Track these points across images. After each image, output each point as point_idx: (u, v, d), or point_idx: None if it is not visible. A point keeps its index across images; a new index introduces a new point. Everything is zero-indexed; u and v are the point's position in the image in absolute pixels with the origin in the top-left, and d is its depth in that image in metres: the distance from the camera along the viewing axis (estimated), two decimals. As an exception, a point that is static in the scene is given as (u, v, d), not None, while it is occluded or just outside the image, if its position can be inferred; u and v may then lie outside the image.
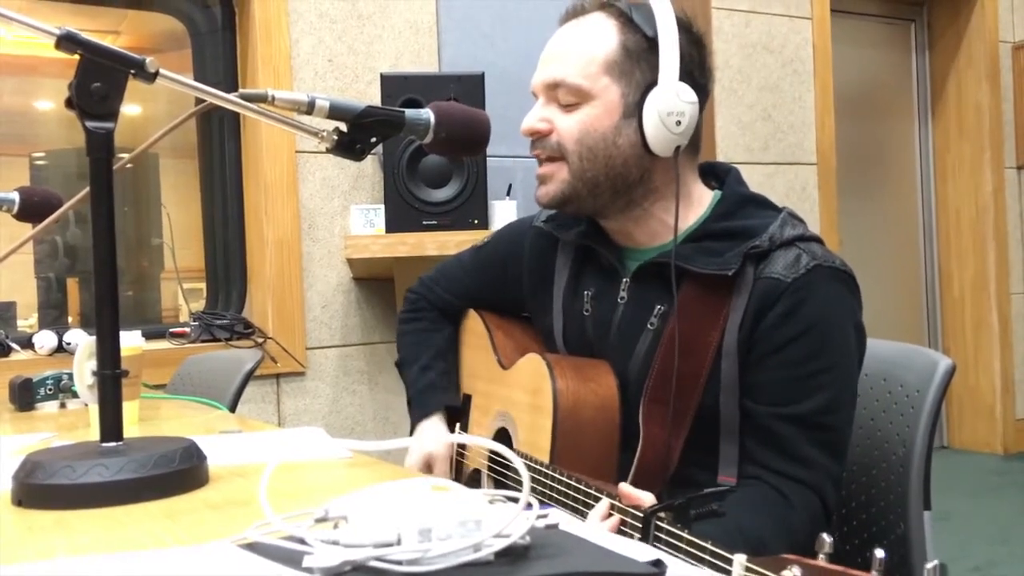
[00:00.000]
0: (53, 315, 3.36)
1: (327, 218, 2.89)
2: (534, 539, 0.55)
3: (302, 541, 0.55)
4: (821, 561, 0.59)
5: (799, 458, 1.10)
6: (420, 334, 1.52)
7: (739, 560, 0.65)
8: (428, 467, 1.42)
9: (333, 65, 2.90)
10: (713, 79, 1.23)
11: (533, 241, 1.38)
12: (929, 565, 0.58)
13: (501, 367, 1.38)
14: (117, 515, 0.79)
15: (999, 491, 3.93)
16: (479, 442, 0.60)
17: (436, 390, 1.46)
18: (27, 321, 3.29)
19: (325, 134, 1.02)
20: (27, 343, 2.56)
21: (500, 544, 0.53)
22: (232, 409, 1.87)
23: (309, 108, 1.00)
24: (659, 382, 1.16)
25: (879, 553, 0.57)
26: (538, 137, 1.21)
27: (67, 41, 0.86)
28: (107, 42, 0.89)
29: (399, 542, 0.52)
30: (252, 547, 0.57)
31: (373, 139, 1.04)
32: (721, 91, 3.62)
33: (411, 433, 1.46)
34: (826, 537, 0.61)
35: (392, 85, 2.61)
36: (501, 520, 0.53)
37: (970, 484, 4.03)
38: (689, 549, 0.80)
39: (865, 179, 4.52)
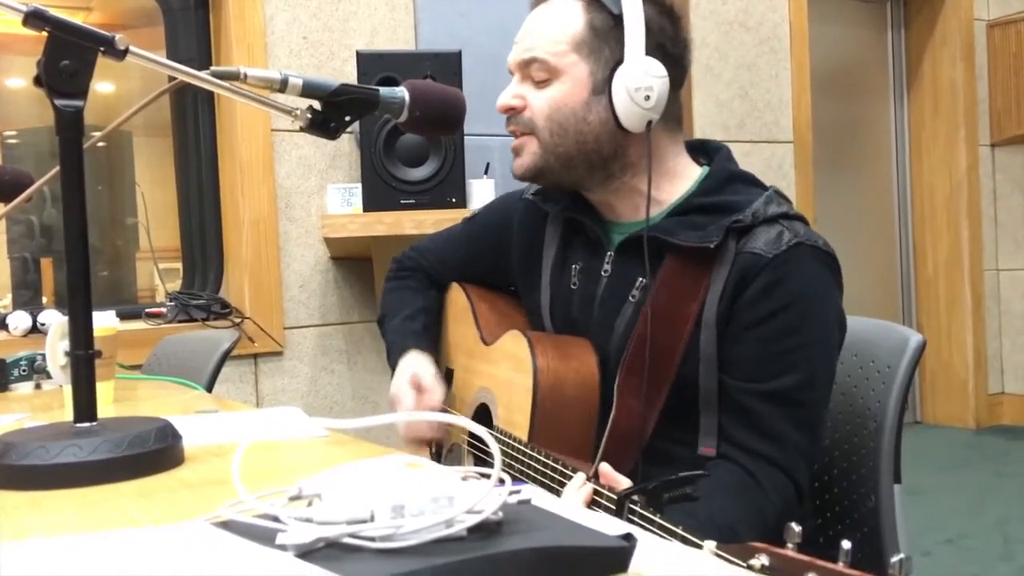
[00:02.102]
0: (27, 295, 3.33)
1: (304, 197, 2.88)
2: (507, 514, 0.56)
3: (276, 519, 0.55)
4: (789, 550, 0.60)
5: (773, 436, 1.10)
6: (405, 291, 1.52)
7: (708, 546, 0.66)
8: (417, 388, 1.38)
9: (308, 42, 2.88)
10: (689, 51, 1.24)
11: (523, 213, 1.38)
12: (895, 559, 0.59)
13: (483, 343, 1.38)
14: (91, 495, 0.79)
15: (971, 465, 4.00)
16: (456, 420, 0.60)
17: (419, 338, 1.45)
18: (1, 301, 3.27)
19: (299, 112, 1.01)
20: (0, 324, 2.53)
21: (473, 520, 0.53)
22: (208, 389, 1.87)
23: (282, 86, 0.99)
24: (636, 353, 1.17)
25: (845, 544, 0.58)
26: (512, 114, 1.24)
27: (34, 18, 0.85)
28: (78, 19, 0.88)
29: (372, 519, 0.53)
30: (225, 525, 0.58)
31: (347, 118, 1.03)
32: (698, 69, 3.62)
33: (392, 376, 1.43)
34: (795, 526, 0.61)
35: (368, 63, 2.59)
36: (473, 496, 0.54)
37: (943, 458, 4.10)
38: (660, 534, 0.81)
39: (841, 157, 4.54)
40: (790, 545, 0.61)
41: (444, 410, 1.45)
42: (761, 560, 0.59)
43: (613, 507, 0.93)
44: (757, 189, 1.20)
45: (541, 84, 1.21)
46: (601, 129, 1.18)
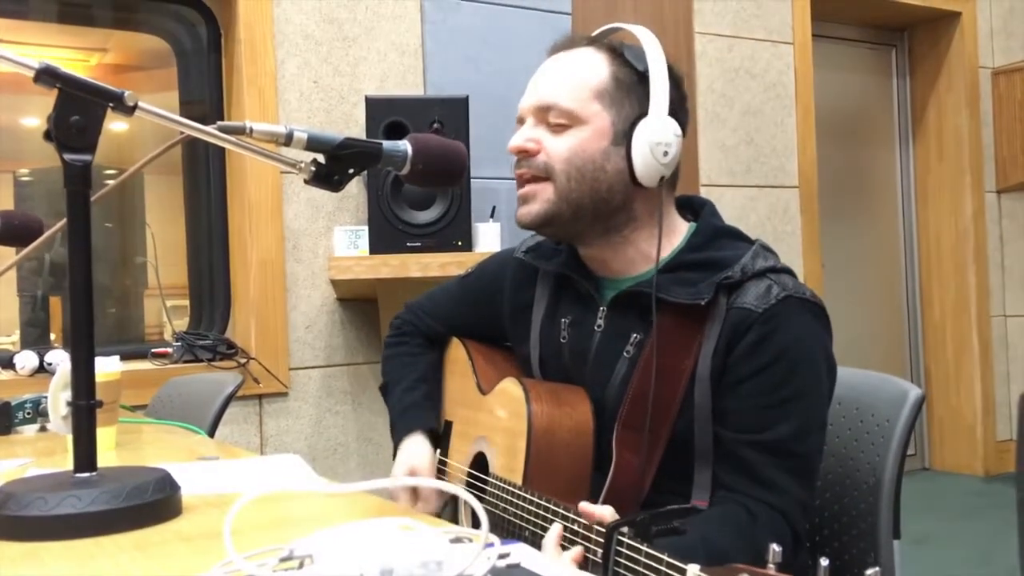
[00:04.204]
0: (35, 333, 3.35)
1: (311, 239, 2.90)
2: (496, 578, 0.56)
3: (267, 580, 0.56)
4: (771, 570, 0.60)
5: (767, 483, 1.11)
6: (404, 358, 1.54)
7: (692, 570, 0.66)
8: (412, 488, 1.42)
9: (318, 86, 2.92)
10: (689, 121, 1.27)
11: (514, 272, 1.41)
12: (870, 572, 0.59)
13: (481, 392, 1.39)
14: (88, 547, 0.79)
15: (980, 513, 3.95)
16: (444, 487, 0.61)
17: (419, 410, 1.48)
18: (9, 338, 3.28)
19: (303, 165, 1.03)
20: (8, 363, 2.54)
21: (461, 584, 0.54)
22: (212, 432, 1.87)
23: (287, 140, 1.01)
24: (633, 408, 1.18)
25: (823, 562, 0.58)
26: (525, 156, 1.23)
27: (46, 75, 0.87)
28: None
29: (362, 582, 0.53)
30: (218, 585, 0.58)
31: (351, 170, 1.04)
32: (704, 115, 3.66)
33: (394, 454, 1.47)
34: (775, 547, 0.62)
35: (377, 108, 2.62)
36: (462, 560, 0.54)
37: (951, 506, 4.05)
38: (647, 562, 0.82)
39: (846, 202, 4.56)
40: (771, 566, 0.61)
41: (441, 466, 1.46)
42: None
43: (602, 540, 0.93)
44: (744, 244, 1.23)
45: (558, 129, 1.21)
46: (615, 179, 1.20)
